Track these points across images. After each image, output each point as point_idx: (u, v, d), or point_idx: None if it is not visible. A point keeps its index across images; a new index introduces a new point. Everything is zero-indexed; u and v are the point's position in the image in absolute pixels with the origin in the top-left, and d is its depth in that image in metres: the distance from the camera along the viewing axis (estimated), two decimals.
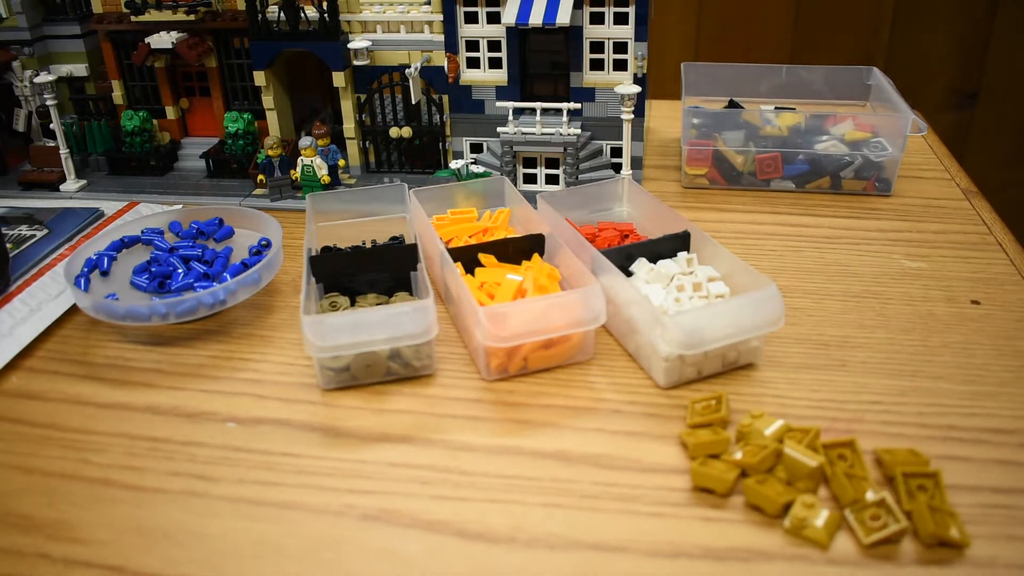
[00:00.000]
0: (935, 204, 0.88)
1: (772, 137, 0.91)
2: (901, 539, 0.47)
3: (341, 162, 0.92)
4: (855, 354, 0.63)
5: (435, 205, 0.79)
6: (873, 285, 0.73)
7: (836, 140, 0.90)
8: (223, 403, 0.61)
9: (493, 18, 0.88)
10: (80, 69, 1.02)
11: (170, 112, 1.02)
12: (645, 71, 0.88)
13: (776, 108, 0.99)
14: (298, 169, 0.89)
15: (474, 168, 0.88)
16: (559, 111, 0.88)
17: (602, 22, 0.87)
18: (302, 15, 0.90)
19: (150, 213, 0.86)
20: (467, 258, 0.69)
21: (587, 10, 0.86)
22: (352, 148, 0.96)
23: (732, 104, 1.04)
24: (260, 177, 0.92)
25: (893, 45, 1.52)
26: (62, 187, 0.96)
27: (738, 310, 0.58)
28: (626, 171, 0.86)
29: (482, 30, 0.89)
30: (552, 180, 0.91)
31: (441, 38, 0.90)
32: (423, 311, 0.59)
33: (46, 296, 0.74)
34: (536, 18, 0.83)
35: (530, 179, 0.91)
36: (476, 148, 0.94)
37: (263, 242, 0.76)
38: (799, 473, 0.50)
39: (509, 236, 0.72)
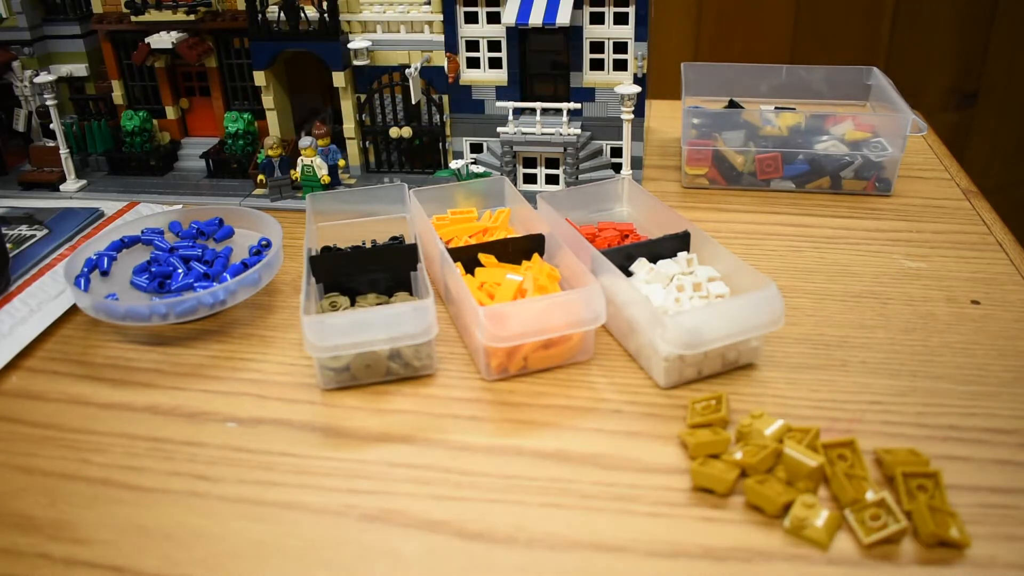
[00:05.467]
0: (935, 204, 0.88)
1: (772, 137, 0.91)
2: (901, 539, 0.47)
3: (341, 162, 0.92)
4: (855, 354, 0.63)
5: (435, 205, 0.79)
6: (873, 285, 0.73)
7: (836, 140, 0.90)
8: (223, 403, 0.61)
9: (493, 18, 0.88)
10: (80, 69, 1.02)
11: (170, 112, 1.02)
12: (645, 71, 0.88)
13: (776, 108, 0.99)
14: (298, 169, 0.89)
15: (474, 168, 0.88)
16: (559, 111, 0.88)
17: (602, 22, 0.87)
18: (302, 15, 0.90)
19: (150, 213, 0.86)
20: (467, 258, 0.69)
21: (587, 10, 0.86)
22: (352, 148, 0.96)
23: (732, 104, 1.04)
24: (260, 177, 0.92)
25: (893, 45, 1.52)
26: (62, 187, 0.96)
27: (738, 310, 0.58)
28: (626, 171, 0.86)
29: (482, 30, 0.89)
30: (552, 180, 0.91)
31: (441, 38, 0.90)
32: (423, 311, 0.59)
33: (46, 296, 0.74)
34: (536, 18, 0.83)
35: (530, 179, 0.92)
36: (476, 148, 0.94)
37: (263, 242, 0.76)
38: (799, 473, 0.50)
39: (509, 236, 0.72)
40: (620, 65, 0.88)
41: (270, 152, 0.89)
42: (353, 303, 0.68)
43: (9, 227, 0.86)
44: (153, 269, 0.73)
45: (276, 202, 0.91)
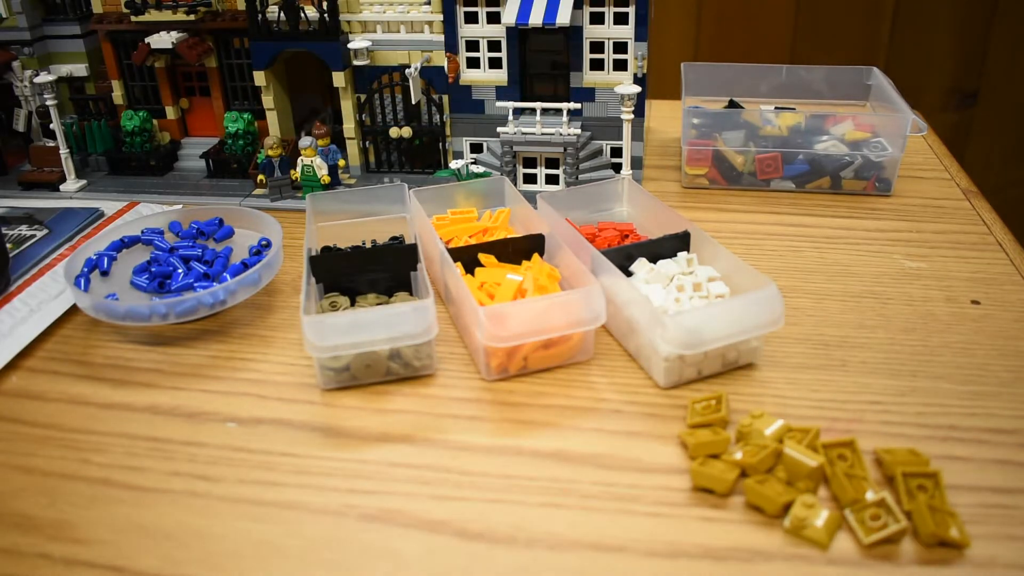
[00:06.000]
0: (935, 204, 0.88)
1: (772, 137, 0.91)
2: (901, 539, 0.47)
3: (341, 162, 0.92)
4: (855, 354, 0.63)
5: (435, 205, 0.79)
6: (873, 285, 0.73)
7: (836, 140, 0.90)
8: (223, 403, 0.61)
9: (493, 18, 0.88)
10: (80, 69, 1.02)
11: (170, 112, 1.02)
12: (645, 71, 0.88)
13: (776, 108, 0.99)
14: (298, 169, 0.89)
15: (474, 168, 0.88)
16: (559, 111, 0.88)
17: (602, 22, 0.87)
18: (302, 15, 0.90)
19: (150, 213, 0.86)
20: (467, 258, 0.69)
21: (587, 10, 0.86)
22: (352, 148, 0.96)
23: (732, 104, 1.04)
24: (260, 177, 0.92)
25: (893, 45, 1.52)
26: (62, 187, 0.96)
27: (738, 310, 0.58)
28: (626, 171, 0.86)
29: (482, 30, 0.89)
30: (552, 180, 0.91)
31: (441, 38, 0.90)
32: (423, 311, 0.59)
33: (46, 296, 0.74)
34: (536, 18, 0.83)
35: (530, 179, 0.91)
36: (476, 148, 0.94)
37: (263, 242, 0.76)
38: (799, 473, 0.50)
39: (509, 236, 0.72)
40: (620, 65, 0.88)
41: (270, 152, 0.89)
42: (353, 303, 0.68)
43: (9, 227, 0.86)
44: (153, 269, 0.73)
45: (276, 202, 0.91)
